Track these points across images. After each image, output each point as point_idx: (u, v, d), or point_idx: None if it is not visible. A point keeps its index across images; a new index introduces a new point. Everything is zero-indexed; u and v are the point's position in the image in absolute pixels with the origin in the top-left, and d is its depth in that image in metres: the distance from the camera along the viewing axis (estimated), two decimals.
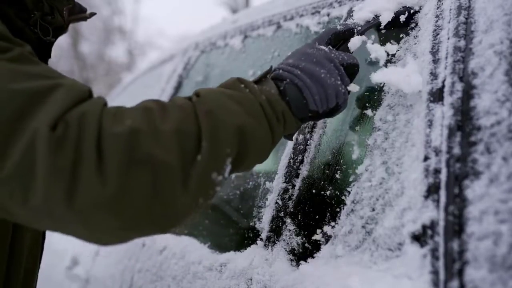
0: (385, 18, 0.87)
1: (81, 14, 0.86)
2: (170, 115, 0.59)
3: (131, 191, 0.53)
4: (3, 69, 0.56)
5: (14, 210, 0.55)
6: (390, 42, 0.88)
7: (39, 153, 0.52)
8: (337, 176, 0.86)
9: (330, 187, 0.86)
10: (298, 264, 0.82)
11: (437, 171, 0.63)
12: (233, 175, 1.22)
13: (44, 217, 0.54)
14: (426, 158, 0.66)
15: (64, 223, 0.55)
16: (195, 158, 0.58)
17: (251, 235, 0.98)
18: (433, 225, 0.60)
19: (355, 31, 0.85)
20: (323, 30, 0.88)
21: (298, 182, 0.93)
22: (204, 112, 0.61)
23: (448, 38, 0.75)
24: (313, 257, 0.79)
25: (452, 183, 0.60)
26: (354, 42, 0.83)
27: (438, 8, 0.82)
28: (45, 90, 0.56)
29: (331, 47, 0.79)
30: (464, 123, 0.64)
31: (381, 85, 0.85)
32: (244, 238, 1.00)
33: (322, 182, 0.90)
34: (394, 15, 0.87)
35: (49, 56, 0.84)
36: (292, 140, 0.88)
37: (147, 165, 0.54)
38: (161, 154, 0.55)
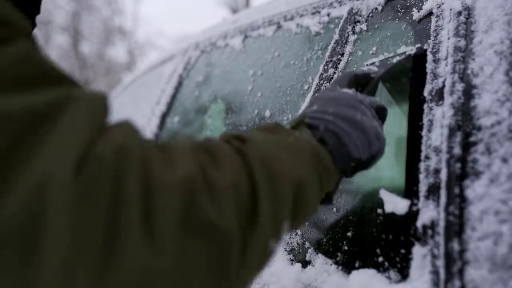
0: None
1: None
2: (222, 162, 0.45)
3: (188, 265, 0.38)
4: None
5: None
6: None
7: (53, 207, 0.32)
8: None
9: None
10: (298, 265, 0.82)
11: (437, 171, 0.63)
12: None
13: None
14: (426, 158, 0.66)
15: None
16: (253, 220, 0.44)
17: None
18: (433, 225, 0.60)
19: (371, 76, 0.76)
20: (341, 73, 0.76)
21: None
22: (258, 160, 0.47)
23: (448, 38, 0.75)
24: (313, 257, 0.79)
25: (452, 183, 0.60)
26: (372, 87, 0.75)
27: (438, 8, 0.82)
28: (52, 107, 0.34)
29: (355, 90, 0.69)
30: (464, 123, 0.64)
31: (381, 85, 0.85)
32: None
33: None
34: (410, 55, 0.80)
35: (38, 12, 0.61)
36: (332, 204, 0.68)
37: (202, 229, 0.39)
38: (216, 216, 0.40)
